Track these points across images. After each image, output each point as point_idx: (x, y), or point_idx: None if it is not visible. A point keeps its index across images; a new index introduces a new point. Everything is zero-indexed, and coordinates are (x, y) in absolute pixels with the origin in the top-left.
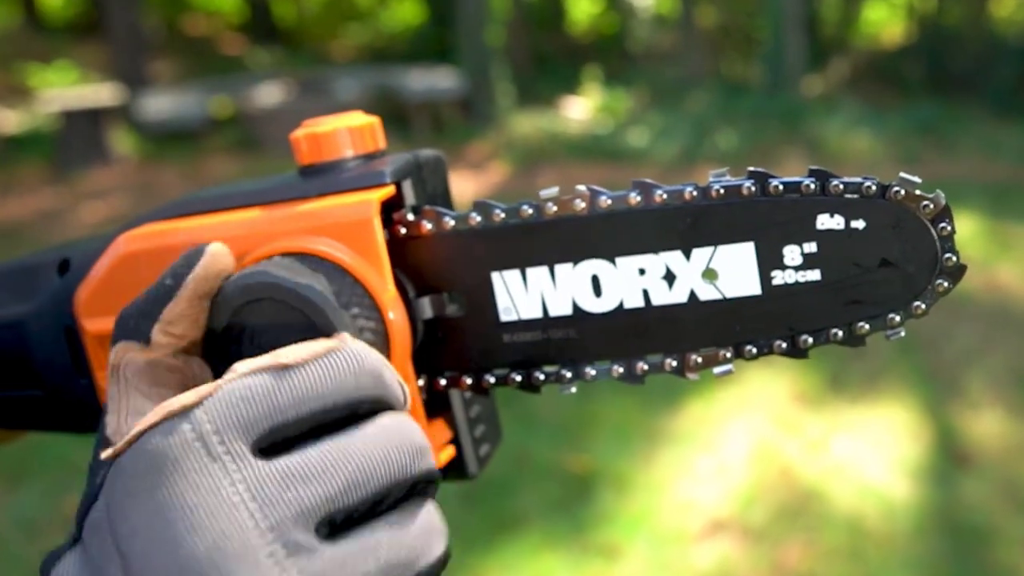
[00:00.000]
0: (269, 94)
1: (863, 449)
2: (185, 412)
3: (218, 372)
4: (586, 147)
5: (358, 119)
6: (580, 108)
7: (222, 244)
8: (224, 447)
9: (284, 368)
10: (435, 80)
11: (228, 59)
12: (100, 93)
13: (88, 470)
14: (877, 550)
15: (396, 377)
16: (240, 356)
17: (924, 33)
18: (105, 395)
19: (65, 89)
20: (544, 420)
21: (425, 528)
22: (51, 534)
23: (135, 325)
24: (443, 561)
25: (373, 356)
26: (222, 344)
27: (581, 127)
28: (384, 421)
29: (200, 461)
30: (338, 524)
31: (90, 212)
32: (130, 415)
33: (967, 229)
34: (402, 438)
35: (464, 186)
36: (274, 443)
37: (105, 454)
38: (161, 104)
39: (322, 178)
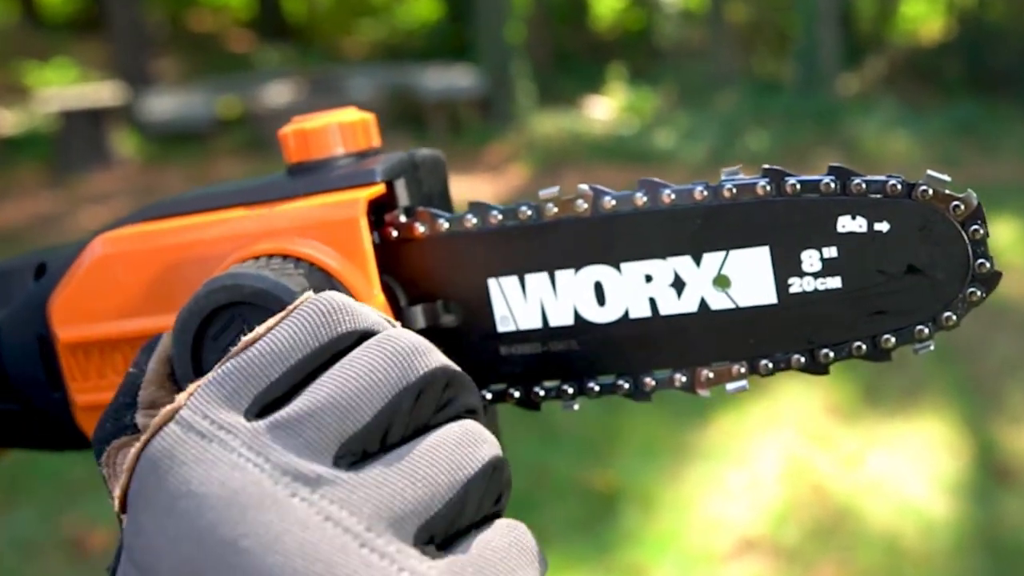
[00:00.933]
0: (279, 93)
1: (900, 464)
2: (172, 414)
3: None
4: (610, 148)
5: (350, 115)
6: (604, 108)
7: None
8: (215, 424)
9: (250, 343)
10: (453, 79)
11: (236, 57)
12: (101, 92)
13: None
14: (915, 570)
15: (371, 309)
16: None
17: (964, 29)
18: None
19: (64, 88)
20: (566, 434)
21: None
22: (47, 554)
23: (113, 425)
24: None
25: (338, 297)
26: (199, 351)
27: (605, 128)
28: (369, 341)
29: (197, 446)
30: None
31: (90, 217)
32: None
33: (1009, 234)
34: (389, 348)
35: (482, 189)
36: (272, 404)
37: (116, 499)
38: (165, 104)
39: (309, 177)
